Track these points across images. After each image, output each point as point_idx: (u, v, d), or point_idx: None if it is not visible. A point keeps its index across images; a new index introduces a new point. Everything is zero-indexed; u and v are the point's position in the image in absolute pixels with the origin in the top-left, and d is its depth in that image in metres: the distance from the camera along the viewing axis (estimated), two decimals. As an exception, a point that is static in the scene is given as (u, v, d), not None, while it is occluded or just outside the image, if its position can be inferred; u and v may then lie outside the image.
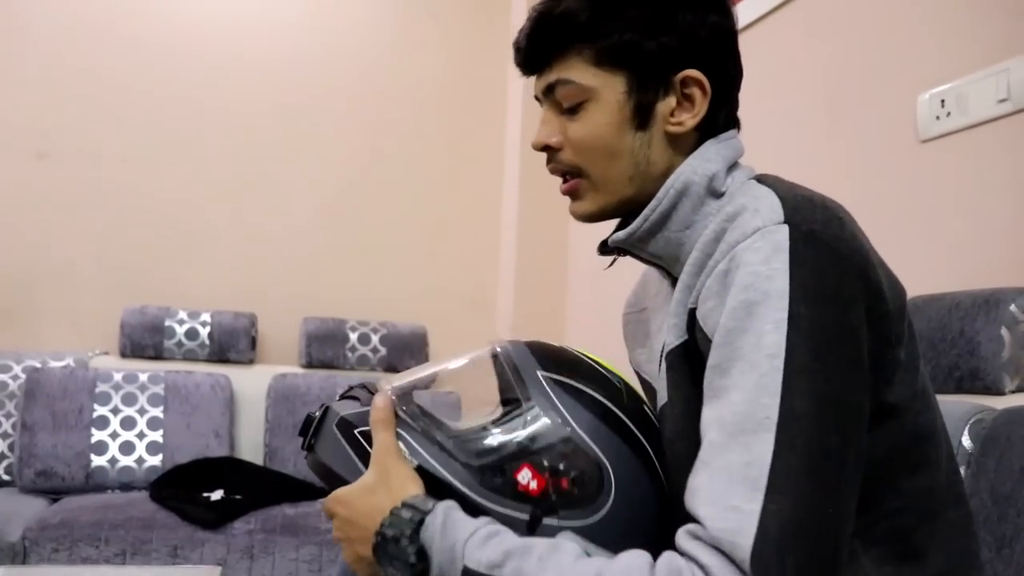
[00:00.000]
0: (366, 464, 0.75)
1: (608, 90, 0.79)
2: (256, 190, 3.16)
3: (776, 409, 0.61)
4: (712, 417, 0.65)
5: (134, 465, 2.50)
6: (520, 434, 0.72)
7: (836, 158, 1.79)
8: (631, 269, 0.94)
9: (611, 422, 0.74)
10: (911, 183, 1.59)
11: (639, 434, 0.75)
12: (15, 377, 2.59)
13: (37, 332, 2.88)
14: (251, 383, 2.82)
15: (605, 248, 0.87)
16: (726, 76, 0.82)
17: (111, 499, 2.32)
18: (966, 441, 1.02)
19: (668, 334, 0.76)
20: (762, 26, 2.05)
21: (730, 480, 0.61)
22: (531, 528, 0.70)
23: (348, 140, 3.27)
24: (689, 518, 0.63)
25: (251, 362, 2.96)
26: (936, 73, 1.52)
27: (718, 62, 0.81)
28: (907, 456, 0.72)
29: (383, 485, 0.73)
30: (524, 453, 0.71)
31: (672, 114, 0.80)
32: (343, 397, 0.83)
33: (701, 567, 0.59)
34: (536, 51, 0.82)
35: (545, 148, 0.83)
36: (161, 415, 2.58)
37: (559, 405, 0.73)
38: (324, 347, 2.98)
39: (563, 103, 0.81)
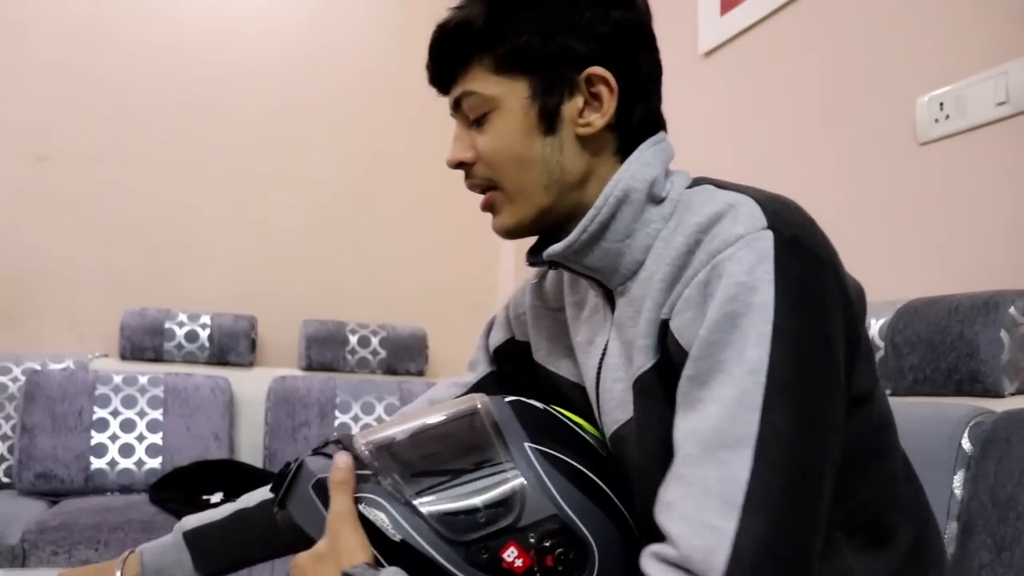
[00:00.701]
0: None
1: (510, 97, 0.76)
2: (256, 192, 3.16)
3: (756, 426, 0.59)
4: (688, 430, 0.63)
5: (134, 467, 2.50)
6: (506, 510, 0.70)
7: (834, 160, 1.79)
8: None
9: (595, 496, 0.73)
10: (910, 186, 1.59)
11: (618, 502, 0.75)
12: (15, 379, 2.59)
13: (37, 334, 2.88)
14: (251, 385, 2.82)
15: (534, 259, 0.83)
16: (636, 72, 0.78)
17: (111, 501, 2.32)
18: (966, 444, 1.02)
19: (638, 357, 0.72)
20: (761, 29, 2.05)
21: (706, 496, 0.59)
22: None
23: (348, 143, 3.28)
24: (659, 534, 0.61)
25: (251, 364, 2.96)
26: (935, 76, 1.53)
27: (626, 58, 0.77)
28: (874, 444, 0.72)
29: (332, 553, 0.71)
30: (511, 530, 0.70)
31: (580, 115, 0.77)
32: (316, 452, 0.81)
33: None
34: (440, 67, 0.80)
35: (460, 165, 0.80)
36: (161, 417, 2.58)
37: (547, 482, 0.71)
38: (324, 349, 2.98)
39: (469, 115, 0.78)
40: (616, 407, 0.76)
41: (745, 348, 0.61)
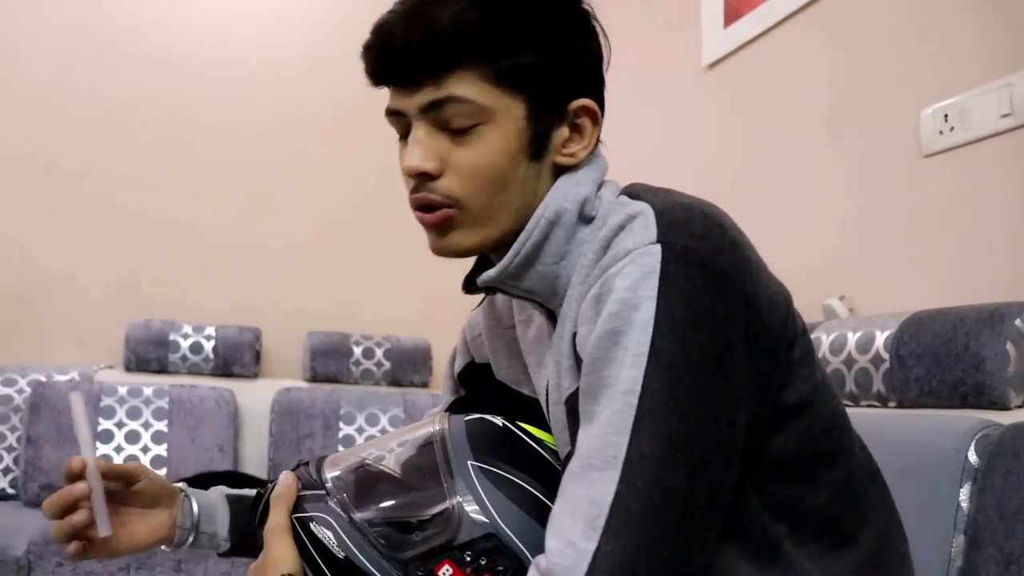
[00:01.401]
0: None
1: (506, 114, 0.71)
2: (261, 204, 3.17)
3: (624, 448, 0.60)
4: (578, 444, 0.64)
5: (138, 479, 2.50)
6: (443, 528, 0.71)
7: (839, 172, 1.79)
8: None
9: (538, 513, 0.72)
10: (914, 197, 1.59)
11: None
12: (20, 391, 2.60)
13: (42, 346, 2.89)
14: (255, 397, 2.82)
15: (471, 287, 0.79)
16: (603, 105, 0.77)
17: (115, 513, 2.32)
18: (972, 456, 1.02)
19: (565, 378, 0.71)
20: (764, 41, 2.06)
21: (575, 514, 0.61)
22: None
23: (352, 155, 3.28)
24: None
25: (255, 376, 2.96)
26: (939, 88, 1.53)
27: (600, 91, 0.76)
28: (820, 449, 0.71)
29: (264, 564, 0.75)
30: (446, 548, 0.70)
31: (564, 145, 0.74)
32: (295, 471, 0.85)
33: None
34: (424, 62, 0.70)
35: (420, 175, 0.72)
36: (165, 429, 2.58)
37: (486, 501, 0.72)
38: (328, 361, 2.98)
39: (451, 123, 0.71)
40: (562, 429, 0.74)
41: (622, 368, 0.61)
